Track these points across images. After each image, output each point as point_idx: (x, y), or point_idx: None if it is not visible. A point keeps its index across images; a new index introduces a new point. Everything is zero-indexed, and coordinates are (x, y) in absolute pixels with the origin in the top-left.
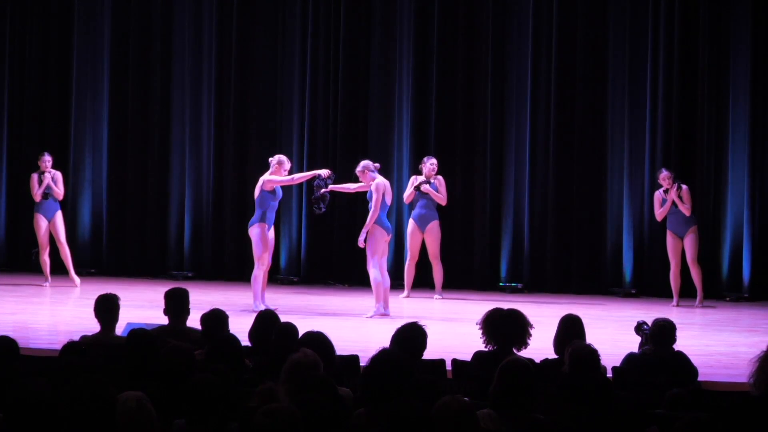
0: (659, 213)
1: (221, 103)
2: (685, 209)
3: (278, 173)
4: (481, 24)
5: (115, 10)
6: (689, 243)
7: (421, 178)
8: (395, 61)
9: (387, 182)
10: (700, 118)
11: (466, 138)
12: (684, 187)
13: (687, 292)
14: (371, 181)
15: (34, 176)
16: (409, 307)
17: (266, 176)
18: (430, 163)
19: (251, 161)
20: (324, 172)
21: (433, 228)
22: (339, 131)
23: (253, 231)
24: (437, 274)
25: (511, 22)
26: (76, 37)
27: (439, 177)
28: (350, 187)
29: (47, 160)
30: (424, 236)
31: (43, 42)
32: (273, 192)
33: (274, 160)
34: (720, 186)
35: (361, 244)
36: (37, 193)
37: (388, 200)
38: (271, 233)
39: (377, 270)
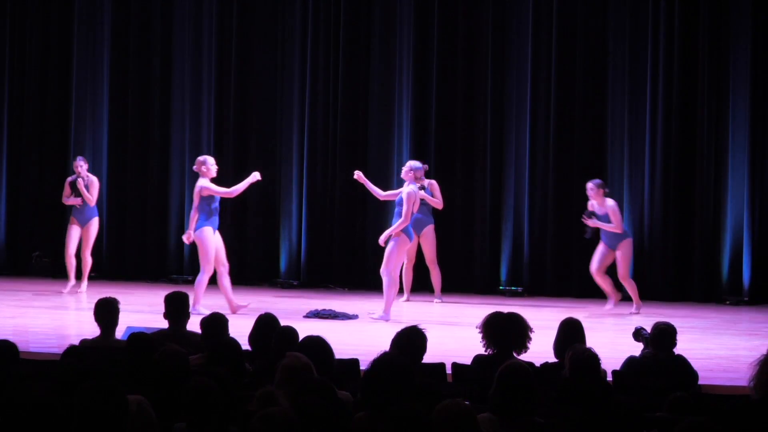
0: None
1: (221, 105)
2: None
3: (207, 175)
4: (480, 29)
5: (115, 12)
6: (619, 256)
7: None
8: (395, 63)
9: (418, 191)
10: (700, 121)
11: (465, 142)
12: (610, 203)
13: (688, 297)
14: (410, 184)
15: (68, 181)
16: (409, 311)
17: (201, 182)
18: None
19: (251, 164)
20: (257, 176)
21: (429, 233)
22: (339, 134)
23: (199, 236)
24: (435, 278)
25: (511, 28)
26: (75, 40)
27: (433, 181)
28: (379, 192)
29: (81, 164)
30: (420, 241)
31: (43, 45)
32: (211, 196)
33: (200, 160)
34: (720, 189)
35: (381, 242)
36: (66, 201)
37: (415, 209)
38: (218, 236)
39: (391, 277)
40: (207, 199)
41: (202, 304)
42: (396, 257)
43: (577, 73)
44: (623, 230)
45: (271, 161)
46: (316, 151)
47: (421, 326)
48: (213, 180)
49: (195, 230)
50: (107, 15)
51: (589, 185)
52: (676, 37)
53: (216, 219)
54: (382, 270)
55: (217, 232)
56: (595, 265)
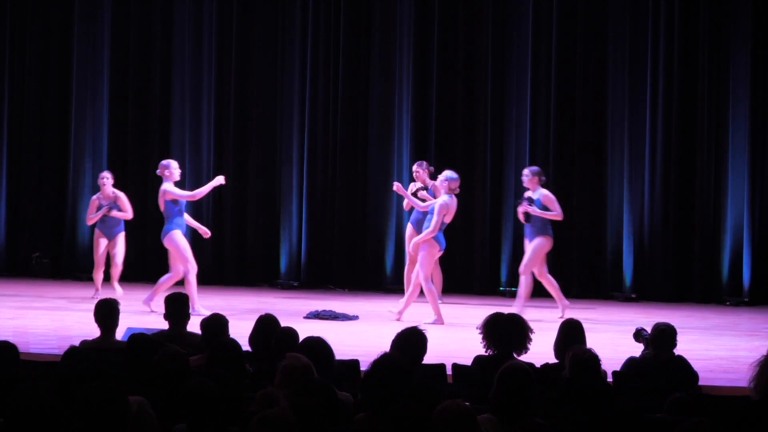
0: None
1: (221, 107)
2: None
3: (170, 179)
4: (480, 31)
5: (115, 14)
6: (530, 248)
7: (419, 184)
8: (395, 65)
9: (454, 201)
10: (700, 122)
11: (466, 143)
12: (544, 192)
13: (688, 298)
14: (442, 193)
15: (95, 200)
16: (410, 312)
17: (164, 186)
18: (421, 169)
19: (251, 166)
20: (221, 179)
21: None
22: (339, 135)
23: (170, 240)
24: (436, 279)
25: (511, 29)
26: (76, 41)
27: (437, 183)
28: (419, 204)
29: (106, 176)
30: None
31: (43, 47)
32: (176, 200)
33: (163, 164)
34: (720, 190)
35: (411, 251)
36: (90, 218)
37: (448, 219)
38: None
39: (428, 283)
40: (172, 203)
41: (202, 305)
42: (427, 264)
43: (577, 74)
44: (562, 217)
45: (271, 162)
46: (317, 151)
47: (421, 327)
48: (177, 183)
49: (163, 235)
50: (107, 17)
51: (525, 171)
52: (676, 38)
53: (183, 221)
54: (416, 276)
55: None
56: (536, 269)
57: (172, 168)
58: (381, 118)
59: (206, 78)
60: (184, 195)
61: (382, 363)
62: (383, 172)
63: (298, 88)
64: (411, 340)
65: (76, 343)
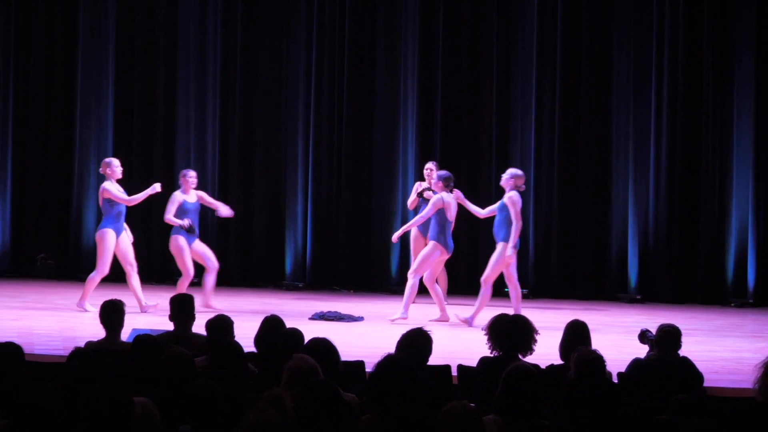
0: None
1: (226, 107)
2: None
3: (111, 177)
4: (485, 31)
5: (120, 13)
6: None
7: (425, 185)
8: (400, 66)
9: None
10: (705, 123)
11: (470, 143)
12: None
13: (692, 299)
14: (510, 191)
15: (177, 197)
16: (416, 313)
17: (105, 184)
18: (426, 170)
19: (256, 167)
20: (157, 187)
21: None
22: (344, 136)
23: (99, 237)
24: (441, 281)
25: (516, 31)
26: (80, 41)
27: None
28: (479, 211)
29: (192, 175)
30: (427, 242)
31: (48, 46)
32: (111, 201)
33: (105, 162)
34: (725, 191)
35: (509, 255)
36: (168, 218)
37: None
38: (125, 236)
39: (489, 284)
40: (109, 202)
41: (90, 302)
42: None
43: (581, 75)
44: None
45: (276, 162)
46: (322, 152)
47: (426, 328)
48: (119, 181)
49: (97, 231)
50: (111, 17)
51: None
52: (680, 41)
53: (121, 222)
54: (483, 278)
55: (124, 233)
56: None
57: (114, 166)
58: (386, 119)
59: (211, 79)
60: (121, 198)
61: (386, 364)
62: (388, 173)
63: (303, 89)
64: (416, 342)
65: (81, 344)
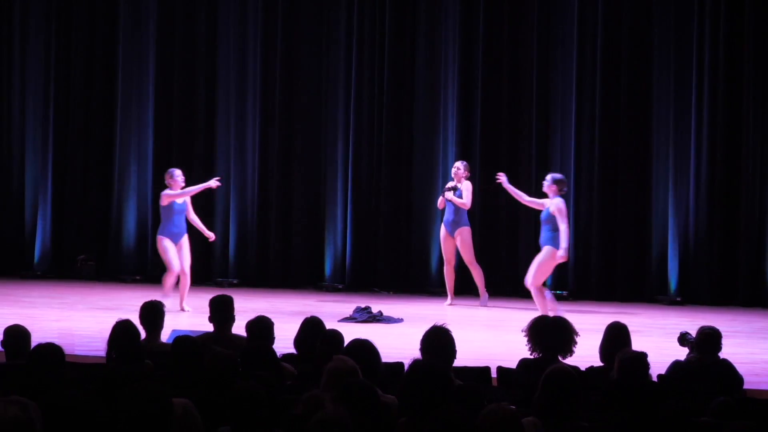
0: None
1: (266, 109)
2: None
3: (174, 187)
4: (525, 32)
5: (161, 17)
6: (459, 243)
7: (450, 184)
8: (440, 65)
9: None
10: (746, 126)
11: (511, 142)
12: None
13: (733, 301)
14: (554, 197)
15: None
16: (453, 315)
17: (165, 191)
18: (454, 168)
19: (296, 167)
20: (213, 183)
21: (462, 233)
22: (384, 136)
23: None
24: (477, 277)
25: (556, 30)
26: (121, 46)
27: (467, 182)
28: (524, 197)
29: (178, 174)
30: (456, 243)
31: (89, 48)
32: (170, 206)
33: (167, 174)
34: (766, 194)
35: (565, 258)
36: (180, 195)
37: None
38: (183, 242)
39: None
40: (165, 209)
41: (185, 303)
42: (542, 268)
43: (621, 76)
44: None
45: (316, 164)
46: (361, 153)
47: (442, 323)
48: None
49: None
50: (152, 20)
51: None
52: (721, 39)
53: (177, 227)
54: (528, 282)
55: (185, 238)
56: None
57: (176, 176)
58: (426, 120)
59: (251, 79)
60: (172, 193)
61: (416, 368)
62: (428, 174)
63: (342, 90)
64: (439, 342)
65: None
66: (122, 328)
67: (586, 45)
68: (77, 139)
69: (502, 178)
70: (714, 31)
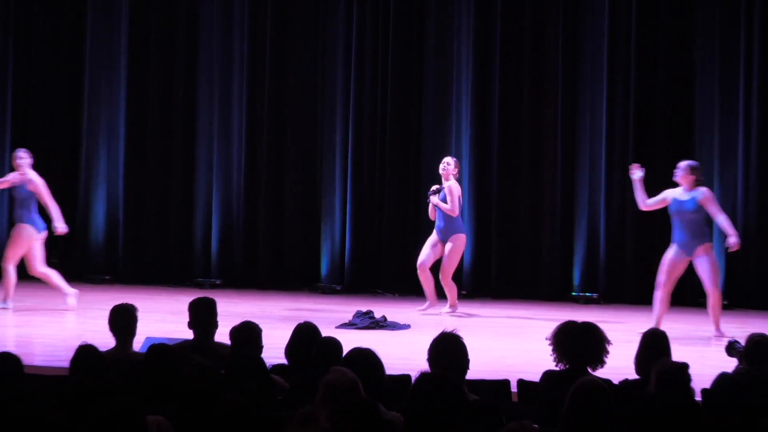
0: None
1: (254, 94)
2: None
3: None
4: (550, 11)
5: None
6: (447, 249)
7: (437, 186)
8: (452, 46)
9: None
10: None
11: (533, 132)
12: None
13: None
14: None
15: (12, 178)
16: (468, 321)
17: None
18: (443, 163)
19: (289, 151)
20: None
21: (455, 241)
22: (388, 123)
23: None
24: (429, 284)
25: (585, 16)
26: (90, 18)
27: (452, 183)
28: (645, 199)
29: (22, 156)
30: (443, 249)
31: (53, 28)
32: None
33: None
34: None
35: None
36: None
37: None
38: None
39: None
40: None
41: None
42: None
43: (659, 65)
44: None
45: (310, 146)
46: (362, 141)
47: (451, 330)
48: None
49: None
50: (125, 5)
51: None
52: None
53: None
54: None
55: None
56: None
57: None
58: (436, 108)
59: (237, 61)
60: None
61: (424, 383)
62: (438, 164)
63: (341, 73)
64: (449, 352)
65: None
66: (84, 355)
67: (619, 30)
68: (39, 120)
69: (636, 168)
70: (764, 18)
